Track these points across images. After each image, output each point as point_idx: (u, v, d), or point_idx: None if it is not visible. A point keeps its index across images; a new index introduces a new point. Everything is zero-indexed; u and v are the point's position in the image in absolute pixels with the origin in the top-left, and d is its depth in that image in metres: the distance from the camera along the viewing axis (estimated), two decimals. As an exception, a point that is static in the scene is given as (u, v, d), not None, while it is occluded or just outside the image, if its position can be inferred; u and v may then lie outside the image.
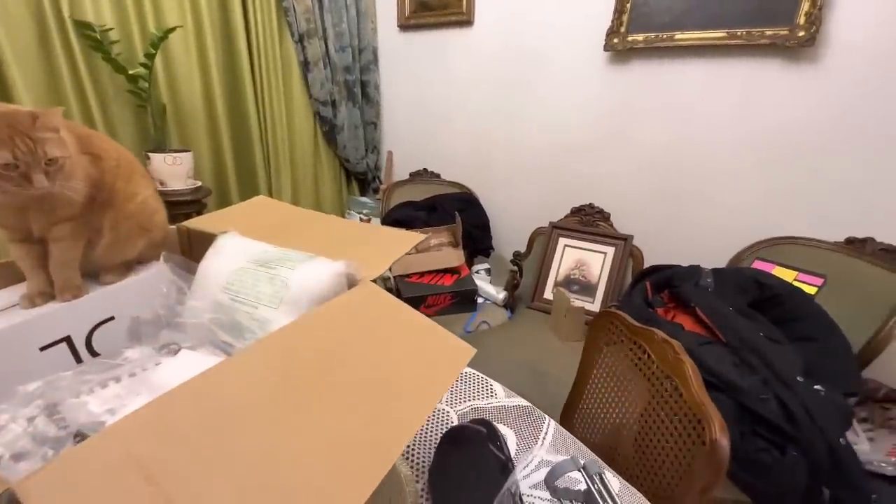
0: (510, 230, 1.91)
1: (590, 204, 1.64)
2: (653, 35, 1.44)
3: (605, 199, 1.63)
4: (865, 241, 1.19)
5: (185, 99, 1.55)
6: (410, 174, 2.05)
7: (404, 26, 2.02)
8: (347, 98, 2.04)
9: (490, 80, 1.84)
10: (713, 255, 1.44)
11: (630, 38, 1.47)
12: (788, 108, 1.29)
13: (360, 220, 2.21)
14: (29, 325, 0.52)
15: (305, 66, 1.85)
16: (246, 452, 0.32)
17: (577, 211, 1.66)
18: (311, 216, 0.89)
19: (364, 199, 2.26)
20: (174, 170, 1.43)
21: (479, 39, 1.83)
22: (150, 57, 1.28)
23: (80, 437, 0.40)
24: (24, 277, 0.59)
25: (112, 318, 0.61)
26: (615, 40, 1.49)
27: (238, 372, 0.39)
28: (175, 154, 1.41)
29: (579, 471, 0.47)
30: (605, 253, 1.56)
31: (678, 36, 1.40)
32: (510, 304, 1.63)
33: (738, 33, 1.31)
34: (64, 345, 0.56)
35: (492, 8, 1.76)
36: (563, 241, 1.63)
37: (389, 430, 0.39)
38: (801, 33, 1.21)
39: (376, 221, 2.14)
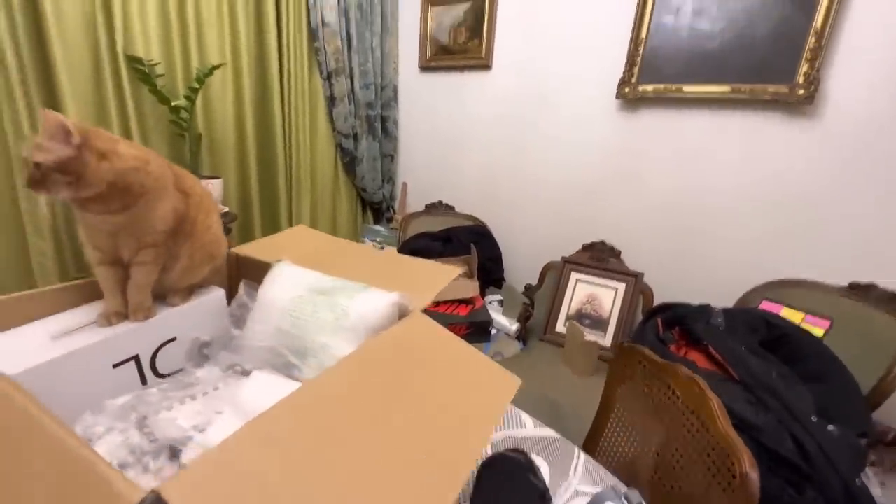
0: (521, 263, 1.96)
1: (601, 241, 1.70)
2: (662, 86, 1.54)
3: (616, 236, 1.69)
4: (869, 287, 1.25)
5: (219, 128, 1.63)
6: (426, 206, 2.12)
7: (425, 67, 2.14)
8: (368, 132, 2.13)
9: (504, 119, 1.94)
10: (721, 293, 1.48)
11: (640, 88, 1.58)
12: (789, 158, 1.38)
13: (374, 246, 2.26)
14: (107, 342, 0.56)
15: (331, 101, 1.96)
16: (338, 467, 0.36)
17: (588, 247, 1.72)
18: (349, 246, 0.94)
19: (378, 227, 2.32)
20: (205, 195, 1.49)
21: (495, 82, 1.95)
22: (195, 91, 1.37)
23: (172, 449, 0.43)
24: (96, 297, 0.63)
25: (174, 339, 0.65)
26: (626, 90, 1.60)
27: (320, 395, 0.43)
28: (207, 180, 1.47)
29: (621, 500, 0.50)
30: (616, 289, 1.61)
31: (686, 88, 1.50)
32: (523, 336, 1.66)
33: (742, 89, 1.41)
34: (132, 363, 0.60)
35: (509, 54, 1.88)
36: (575, 275, 1.68)
37: (456, 454, 0.43)
38: (801, 91, 1.31)
39: (390, 249, 2.20)
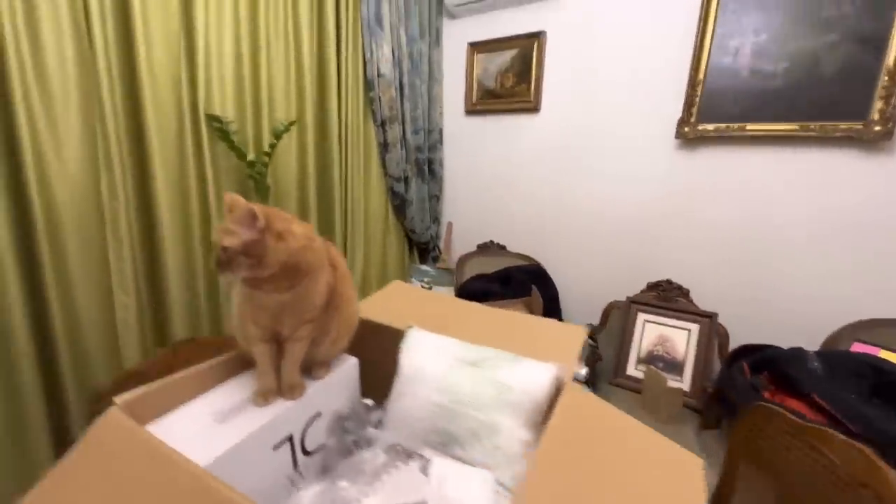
0: (578, 303, 1.93)
1: (667, 280, 1.66)
2: (723, 125, 1.55)
3: (683, 275, 1.65)
4: (975, 327, 1.19)
5: (282, 179, 1.67)
6: (478, 246, 2.12)
7: (471, 111, 2.19)
8: (417, 174, 2.17)
9: (554, 158, 1.96)
10: (801, 334, 1.43)
11: (700, 128, 1.59)
12: (868, 190, 1.35)
13: (422, 287, 2.25)
14: (272, 424, 0.55)
15: (384, 147, 2.01)
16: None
17: (653, 286, 1.68)
18: (456, 304, 0.93)
19: (425, 267, 2.32)
20: (274, 245, 1.51)
21: (544, 123, 1.98)
22: (273, 146, 1.41)
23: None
24: (236, 372, 0.63)
25: (319, 414, 0.63)
26: (686, 129, 1.61)
27: (551, 494, 0.41)
28: (277, 231, 1.49)
29: None
30: (688, 329, 1.56)
31: (749, 127, 1.50)
32: (592, 380, 1.61)
33: (812, 126, 1.40)
34: (288, 443, 0.58)
35: (559, 96, 1.92)
36: (642, 316, 1.64)
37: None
38: (877, 128, 1.30)
39: (438, 289, 2.19)
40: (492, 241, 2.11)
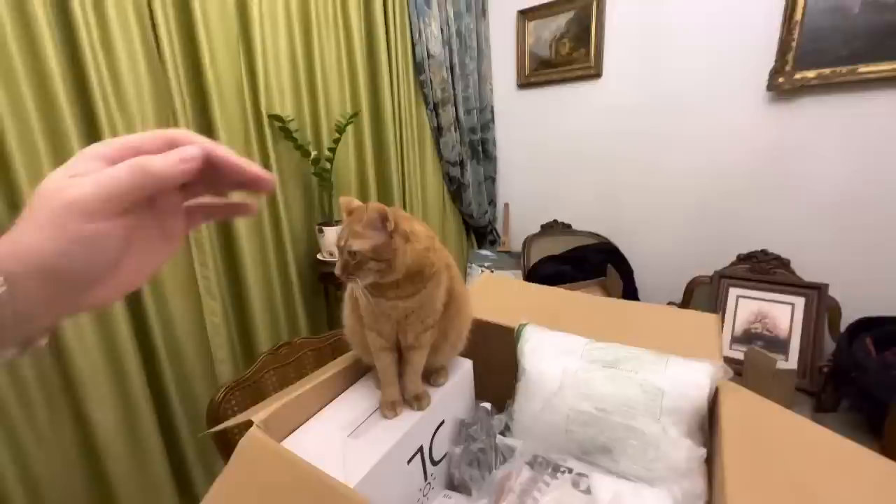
0: (655, 280, 1.81)
1: (762, 250, 1.51)
2: (828, 71, 1.35)
3: (780, 244, 1.50)
4: None
5: (342, 173, 1.66)
6: (542, 226, 2.04)
7: (524, 84, 2.08)
8: (472, 157, 2.10)
9: (620, 127, 1.82)
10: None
11: (798, 76, 1.40)
12: None
13: (482, 272, 2.20)
14: (406, 437, 0.52)
15: (438, 131, 1.94)
16: None
17: (745, 258, 1.54)
18: (552, 294, 0.87)
19: (484, 251, 2.27)
20: (343, 241, 1.50)
21: (607, 90, 1.84)
22: (336, 142, 1.39)
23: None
24: (351, 382, 0.60)
25: (443, 422, 0.60)
26: (780, 79, 1.43)
27: None
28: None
29: None
30: (792, 304, 1.41)
31: (862, 69, 1.31)
32: (680, 363, 1.50)
33: (945, 60, 1.20)
34: (419, 455, 0.55)
35: (623, 59, 1.76)
36: (734, 291, 1.51)
37: None
38: None
39: (499, 273, 2.13)
40: (556, 221, 2.02)
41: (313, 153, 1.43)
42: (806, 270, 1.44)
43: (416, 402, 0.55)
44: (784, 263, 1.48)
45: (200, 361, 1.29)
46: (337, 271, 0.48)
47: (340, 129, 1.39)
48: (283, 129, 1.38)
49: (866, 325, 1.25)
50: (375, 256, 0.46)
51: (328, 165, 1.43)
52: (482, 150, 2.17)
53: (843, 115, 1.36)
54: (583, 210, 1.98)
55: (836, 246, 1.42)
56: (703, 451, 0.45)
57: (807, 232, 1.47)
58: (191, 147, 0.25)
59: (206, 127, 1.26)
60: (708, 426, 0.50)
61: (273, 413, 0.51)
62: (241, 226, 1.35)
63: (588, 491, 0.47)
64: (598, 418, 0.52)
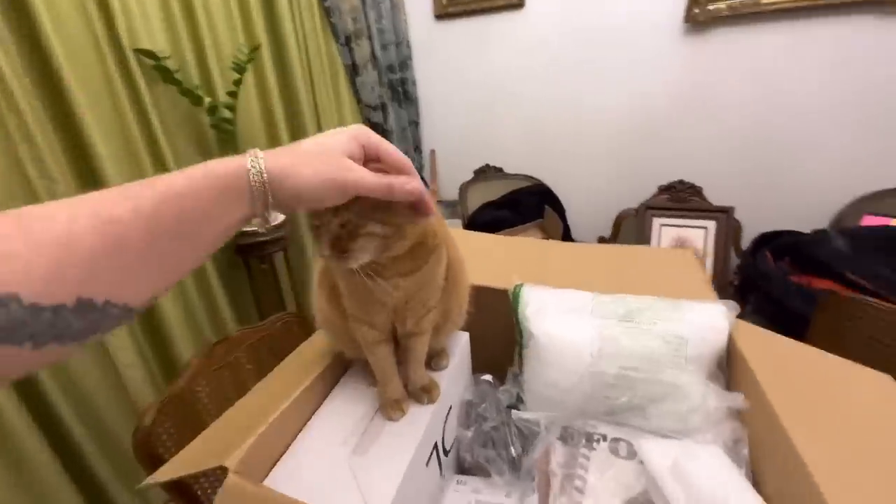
0: (587, 217, 1.88)
1: (679, 180, 1.63)
2: (737, 2, 1.41)
3: (694, 173, 1.62)
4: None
5: (246, 122, 1.38)
6: (474, 172, 1.96)
7: (441, 15, 1.88)
8: (393, 99, 1.90)
9: (546, 64, 1.76)
10: (813, 217, 1.47)
11: (712, 7, 1.44)
12: (885, 64, 1.31)
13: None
14: (424, 440, 0.44)
15: (353, 69, 1.71)
16: None
17: (665, 189, 1.65)
18: (523, 245, 0.82)
19: (415, 203, 2.15)
20: (261, 206, 1.28)
21: (530, 22, 1.74)
22: (238, 84, 1.12)
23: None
24: (330, 386, 0.50)
25: (451, 407, 0.53)
26: (696, 10, 1.46)
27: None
28: (261, 189, 1.26)
29: None
30: (705, 227, 1.56)
31: (764, 1, 1.38)
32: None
33: (832, -9, 1.30)
34: (434, 453, 0.48)
35: (546, -13, 1.67)
36: (657, 220, 1.62)
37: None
38: (900, -12, 1.22)
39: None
40: (487, 165, 1.96)
41: (207, 100, 1.14)
42: (716, 195, 1.59)
43: (426, 394, 0.47)
44: (698, 191, 1.61)
45: (100, 369, 1.04)
46: (323, 251, 0.35)
47: (239, 68, 1.12)
48: (160, 69, 1.07)
49: (765, 241, 1.43)
50: (374, 220, 0.34)
51: (229, 114, 1.17)
52: (403, 91, 1.97)
53: (748, 46, 1.45)
54: (513, 152, 1.94)
55: (738, 170, 1.58)
56: (737, 396, 0.44)
57: (715, 159, 1.60)
58: (417, 183, 0.34)
59: (37, 59, 0.91)
60: (727, 367, 0.50)
61: (249, 452, 0.39)
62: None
63: (629, 456, 0.44)
64: (625, 377, 0.48)
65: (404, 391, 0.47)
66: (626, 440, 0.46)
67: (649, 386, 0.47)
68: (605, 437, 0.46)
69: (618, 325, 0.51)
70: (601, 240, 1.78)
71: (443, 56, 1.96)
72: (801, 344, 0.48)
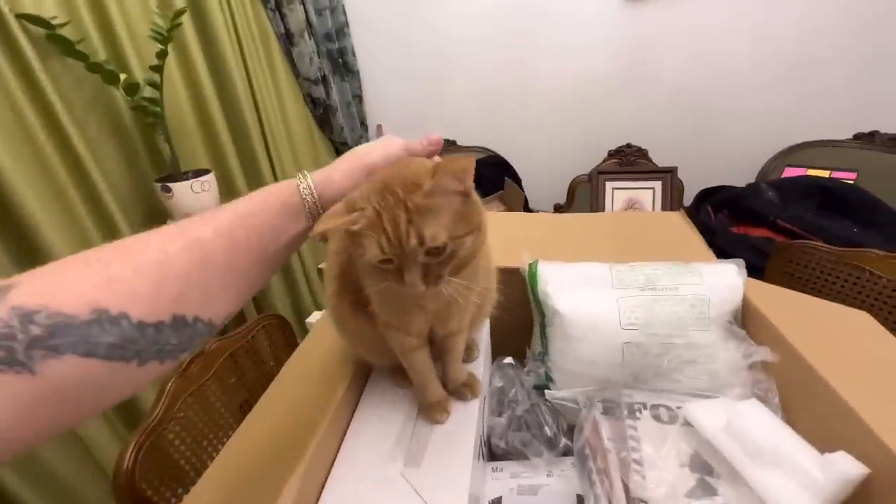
0: (542, 186, 1.90)
1: (627, 144, 1.69)
2: (673, -35, 1.46)
3: (640, 136, 1.70)
4: (873, 134, 1.44)
5: (171, 103, 1.19)
6: (427, 147, 1.89)
7: (377, -23, 1.75)
8: (334, 71, 1.76)
9: (489, 34, 1.72)
10: (742, 171, 1.62)
11: (650, -28, 1.48)
12: (799, 24, 1.44)
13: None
14: (476, 438, 0.42)
15: (288, 38, 1.54)
16: None
17: (615, 153, 1.71)
18: (516, 221, 0.80)
19: (366, 183, 2.05)
20: (203, 198, 1.14)
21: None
22: (162, 57, 0.94)
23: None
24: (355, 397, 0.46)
25: (485, 397, 0.51)
26: (636, -25, 1.49)
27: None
28: (202, 179, 1.12)
29: None
30: (652, 188, 1.66)
31: (697, -36, 1.44)
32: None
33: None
34: (480, 448, 0.46)
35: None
36: (609, 184, 1.69)
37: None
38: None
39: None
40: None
41: (122, 77, 0.97)
42: (660, 156, 1.68)
43: (468, 389, 0.44)
44: (644, 153, 1.69)
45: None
46: (416, 288, 0.31)
47: (163, 37, 0.94)
48: (56, 39, 0.88)
49: (705, 196, 1.55)
50: (464, 232, 0.31)
51: (153, 93, 1.00)
52: (343, 62, 1.83)
53: (684, 9, 1.52)
54: (466, 125, 1.90)
55: (679, 131, 1.68)
56: (762, 349, 0.46)
57: (658, 122, 1.69)
58: (436, 134, 0.40)
59: None
60: (742, 322, 0.52)
61: (293, 486, 0.34)
62: (35, 206, 0.88)
63: (670, 421, 0.45)
64: (657, 345, 0.49)
65: (444, 391, 0.44)
66: (665, 405, 0.47)
67: (680, 350, 0.49)
68: (644, 406, 0.47)
69: (641, 294, 0.51)
70: (557, 207, 1.83)
71: (382, 26, 1.83)
72: (805, 295, 0.52)
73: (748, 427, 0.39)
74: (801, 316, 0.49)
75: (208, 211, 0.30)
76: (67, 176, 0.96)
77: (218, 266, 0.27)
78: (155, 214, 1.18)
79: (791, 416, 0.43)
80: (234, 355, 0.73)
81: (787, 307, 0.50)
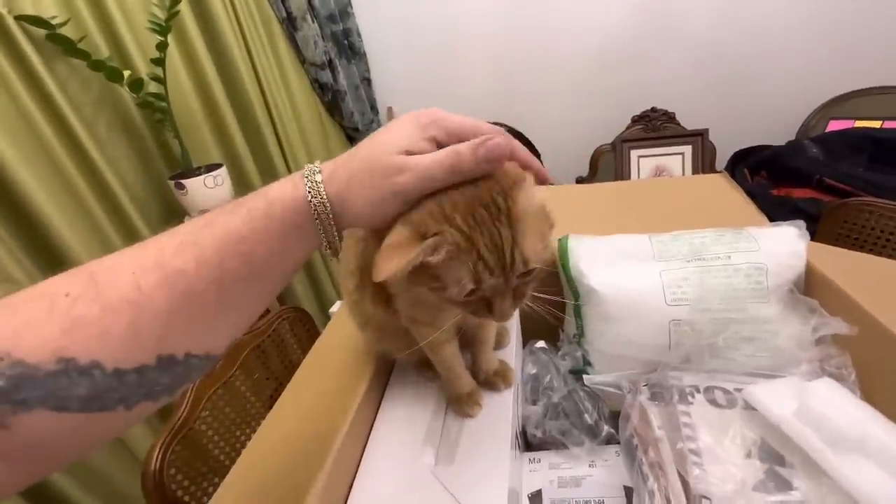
0: (562, 158, 1.82)
1: (652, 108, 1.59)
2: None
3: (666, 99, 1.59)
4: (930, 77, 1.30)
5: (177, 97, 1.16)
6: (440, 126, 1.83)
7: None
8: (340, 54, 1.71)
9: (500, 6, 1.63)
10: (781, 129, 1.50)
11: (672, -85, 1.35)
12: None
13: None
14: (512, 431, 0.38)
15: (290, 22, 1.50)
16: None
17: (639, 119, 1.61)
18: (552, 191, 0.75)
19: (380, 168, 2.01)
20: (217, 192, 1.12)
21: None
22: (162, 49, 0.92)
23: None
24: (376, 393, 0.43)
25: (518, 385, 0.47)
26: (656, -80, 1.36)
27: None
28: (214, 174, 1.10)
29: None
30: (682, 153, 1.56)
31: None
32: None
33: None
34: (516, 440, 0.42)
35: None
36: (634, 153, 1.60)
37: None
38: None
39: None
40: (453, 117, 1.83)
41: (126, 73, 0.94)
42: (689, 119, 1.58)
43: (500, 379, 0.41)
44: (671, 117, 1.59)
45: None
46: (503, 318, 0.28)
47: (161, 29, 0.91)
48: (57, 39, 0.86)
49: (740, 158, 1.45)
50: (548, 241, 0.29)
51: (157, 88, 0.97)
52: (348, 44, 1.77)
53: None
54: (478, 99, 1.83)
55: (708, 92, 1.57)
56: (835, 320, 0.41)
57: (686, 83, 1.58)
58: (500, 139, 0.26)
59: None
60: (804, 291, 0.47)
61: (325, 486, 0.31)
62: (52, 212, 0.88)
63: (729, 405, 0.40)
64: (707, 321, 0.44)
65: (475, 382, 0.40)
66: (721, 387, 0.42)
67: (735, 325, 0.43)
68: (697, 389, 0.42)
69: (687, 266, 0.46)
70: (579, 180, 1.75)
71: (386, 2, 1.76)
72: (879, 258, 0.46)
73: (825, 410, 0.34)
74: (877, 281, 0.43)
75: (190, 223, 0.25)
76: (82, 179, 0.96)
77: (206, 301, 0.23)
78: (171, 212, 1.18)
79: (871, 395, 0.38)
80: (261, 348, 0.71)
81: (858, 272, 0.44)
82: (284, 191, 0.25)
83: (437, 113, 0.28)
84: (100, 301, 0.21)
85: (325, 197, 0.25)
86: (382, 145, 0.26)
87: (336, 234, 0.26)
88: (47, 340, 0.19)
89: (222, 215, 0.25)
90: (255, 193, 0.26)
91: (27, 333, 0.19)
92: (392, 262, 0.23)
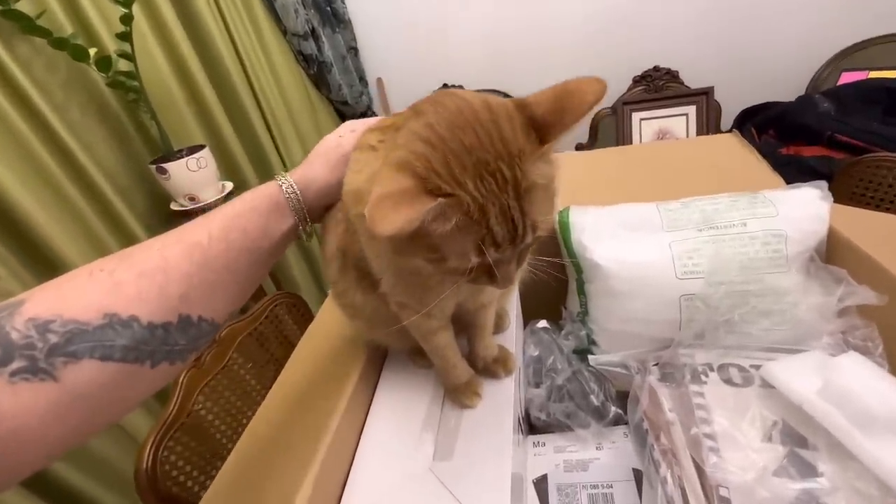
0: (560, 124, 1.76)
1: (654, 67, 1.52)
2: None
3: (669, 57, 1.51)
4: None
5: (150, 74, 1.09)
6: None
7: None
8: (323, 23, 1.61)
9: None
10: (790, 85, 1.43)
11: None
12: None
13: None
14: (514, 420, 0.36)
15: (268, -10, 1.40)
16: None
17: (640, 79, 1.54)
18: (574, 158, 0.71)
19: (372, 143, 1.94)
20: (202, 175, 1.08)
21: None
22: (127, 21, 0.85)
23: None
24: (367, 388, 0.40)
25: (520, 369, 0.44)
26: None
27: None
28: (197, 156, 1.05)
29: None
30: (686, 114, 1.49)
31: None
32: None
33: None
34: (519, 427, 0.40)
35: None
36: (636, 115, 1.53)
37: None
38: None
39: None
40: (445, 85, 1.76)
41: (92, 51, 0.88)
42: (693, 78, 1.50)
43: (500, 366, 0.38)
44: (674, 76, 1.51)
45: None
46: (506, 284, 0.25)
47: (126, 2, 0.84)
48: (12, 16, 0.80)
49: (747, 116, 1.38)
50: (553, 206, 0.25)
51: (129, 66, 0.91)
52: (332, 11, 1.67)
53: None
54: (472, 66, 1.74)
55: (712, 48, 1.49)
56: (862, 289, 0.38)
57: (688, 40, 1.49)
58: None
59: None
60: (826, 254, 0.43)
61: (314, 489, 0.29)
62: (29, 203, 0.83)
63: (745, 383, 0.38)
64: (722, 295, 0.41)
65: (472, 370, 0.38)
66: (736, 364, 0.39)
67: (752, 298, 0.40)
68: (711, 367, 0.40)
69: (699, 235, 0.43)
70: (578, 147, 1.69)
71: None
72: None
73: (852, 387, 0.32)
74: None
75: (203, 216, 0.31)
76: (59, 169, 0.91)
77: (217, 267, 0.29)
78: (156, 199, 1.13)
79: (900, 368, 0.35)
80: (259, 332, 0.69)
81: (882, 234, 0.41)
82: (267, 184, 0.35)
83: (365, 120, 0.38)
84: (135, 269, 0.26)
85: (291, 181, 0.35)
86: (325, 141, 0.38)
87: (306, 212, 0.34)
88: (93, 302, 0.23)
89: (224, 205, 0.33)
90: (248, 191, 0.34)
91: (74, 300, 0.23)
92: (400, 214, 0.19)
